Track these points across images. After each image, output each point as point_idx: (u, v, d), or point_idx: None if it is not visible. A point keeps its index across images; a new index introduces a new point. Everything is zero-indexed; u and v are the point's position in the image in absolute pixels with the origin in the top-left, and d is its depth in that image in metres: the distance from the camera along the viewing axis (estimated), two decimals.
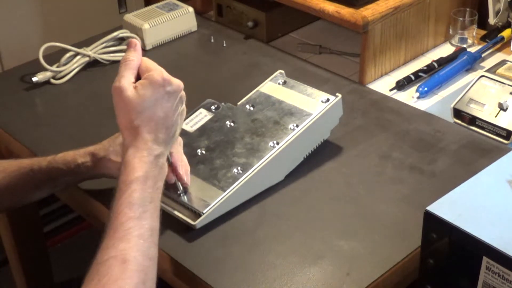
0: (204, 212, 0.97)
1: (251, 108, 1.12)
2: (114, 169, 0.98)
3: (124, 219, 0.80)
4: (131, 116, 0.85)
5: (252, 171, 1.02)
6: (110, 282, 0.75)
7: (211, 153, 1.05)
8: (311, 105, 1.09)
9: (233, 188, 1.00)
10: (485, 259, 0.77)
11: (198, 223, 0.97)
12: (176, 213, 0.99)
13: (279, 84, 1.15)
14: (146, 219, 0.81)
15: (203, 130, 1.10)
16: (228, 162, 1.03)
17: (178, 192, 0.99)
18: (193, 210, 0.98)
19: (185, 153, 1.01)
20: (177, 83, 0.88)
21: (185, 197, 0.99)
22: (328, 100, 1.09)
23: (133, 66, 0.88)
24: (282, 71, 1.17)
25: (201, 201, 0.98)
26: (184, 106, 0.92)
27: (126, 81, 0.86)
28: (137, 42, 0.90)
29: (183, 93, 0.90)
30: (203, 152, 1.06)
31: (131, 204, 0.81)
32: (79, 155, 1.00)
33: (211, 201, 0.98)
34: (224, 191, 0.99)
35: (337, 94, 1.10)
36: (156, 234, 0.83)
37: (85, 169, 1.01)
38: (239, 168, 1.02)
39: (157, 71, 0.87)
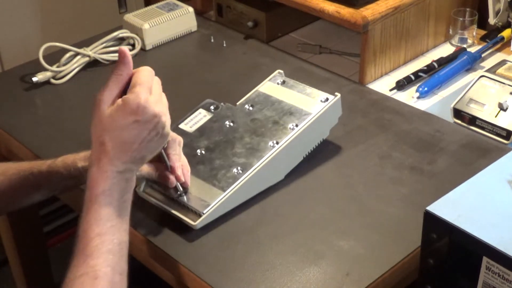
0: (204, 212, 0.97)
1: (250, 108, 1.12)
2: None
3: (92, 235, 0.80)
4: (100, 130, 0.85)
5: (252, 171, 1.02)
6: None
7: (211, 153, 1.05)
8: (310, 104, 1.09)
9: (233, 188, 1.00)
10: (485, 259, 0.77)
11: (199, 223, 0.97)
12: (176, 213, 0.99)
13: (278, 84, 1.15)
14: (115, 234, 0.81)
15: (202, 130, 1.10)
16: (228, 162, 1.03)
17: (178, 192, 0.99)
18: (193, 211, 0.98)
19: (185, 153, 1.01)
20: (152, 113, 0.84)
21: (185, 197, 0.99)
22: (327, 99, 1.09)
23: (121, 80, 0.86)
24: (281, 71, 1.17)
25: (201, 201, 0.98)
26: (164, 131, 0.87)
27: (108, 95, 0.85)
28: (126, 52, 0.87)
29: (162, 120, 0.86)
30: (203, 152, 1.06)
31: (98, 220, 0.81)
32: (79, 159, 1.00)
33: (211, 201, 0.98)
34: (224, 191, 0.99)
35: (336, 93, 1.10)
36: (126, 247, 0.83)
37: (85, 173, 1.00)
38: (239, 168, 1.02)
39: (135, 95, 0.84)
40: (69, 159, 1.00)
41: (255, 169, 1.02)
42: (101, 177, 0.83)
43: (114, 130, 0.84)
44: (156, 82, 0.88)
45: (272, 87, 1.15)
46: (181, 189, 0.99)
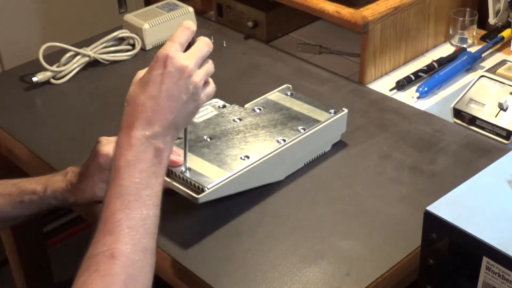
0: (208, 187, 0.97)
1: (258, 111, 1.12)
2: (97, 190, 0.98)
3: (113, 210, 0.77)
4: (129, 93, 0.82)
5: (258, 160, 1.02)
6: (98, 278, 0.73)
7: (217, 140, 1.06)
8: (319, 114, 1.11)
9: (238, 171, 1.00)
10: (485, 259, 0.77)
11: (201, 197, 0.96)
12: (179, 186, 0.98)
13: (286, 95, 1.16)
14: (138, 208, 0.77)
15: (209, 122, 1.10)
16: (234, 150, 1.04)
17: (182, 168, 0.99)
18: (196, 187, 0.98)
19: (190, 139, 1.03)
20: (179, 65, 0.81)
21: (189, 173, 0.99)
22: (335, 112, 1.11)
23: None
24: (290, 85, 1.19)
25: (205, 177, 0.98)
26: (198, 92, 0.84)
27: (143, 70, 0.84)
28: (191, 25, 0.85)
29: (193, 78, 0.83)
30: (208, 140, 1.06)
31: (120, 193, 0.77)
32: (68, 191, 0.99)
33: (216, 178, 0.98)
34: (229, 172, 1.00)
35: (344, 108, 1.12)
36: (152, 223, 0.79)
37: (78, 204, 1.02)
38: (244, 155, 1.02)
39: (163, 48, 0.82)
40: (59, 191, 1.00)
41: (260, 159, 1.02)
42: (126, 145, 0.79)
43: (142, 85, 0.81)
44: (202, 44, 0.85)
45: (280, 96, 1.16)
46: (186, 164, 0.99)
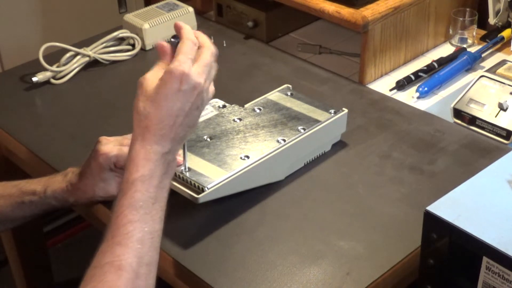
0: (208, 187, 0.97)
1: (258, 111, 1.12)
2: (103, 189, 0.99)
3: (124, 221, 0.78)
4: (144, 102, 0.82)
5: (258, 160, 1.02)
6: None
7: (217, 140, 1.06)
8: (319, 114, 1.11)
9: (238, 171, 1.00)
10: (485, 259, 0.77)
11: (201, 197, 0.96)
12: (179, 186, 0.98)
13: (287, 95, 1.16)
14: (147, 222, 0.79)
15: (209, 122, 1.10)
16: (234, 150, 1.04)
17: (182, 168, 0.99)
18: (196, 187, 0.98)
19: (190, 139, 1.03)
20: (194, 83, 0.83)
21: (189, 173, 0.99)
22: (335, 112, 1.11)
23: (165, 65, 0.85)
24: (290, 86, 1.19)
25: (206, 177, 0.98)
26: (202, 106, 0.86)
27: (152, 75, 0.84)
28: (164, 44, 0.87)
29: (203, 94, 0.85)
30: (208, 139, 1.06)
31: (132, 206, 0.79)
32: (68, 193, 1.00)
33: (216, 178, 0.98)
34: (229, 171, 1.00)
35: (344, 108, 1.12)
36: (157, 237, 0.81)
37: (78, 205, 1.03)
38: (244, 155, 1.02)
39: (178, 63, 0.82)
40: (59, 191, 1.00)
41: (260, 159, 1.02)
42: (144, 159, 0.81)
43: (159, 101, 0.81)
44: (210, 55, 0.86)
45: (280, 97, 1.16)
46: (186, 164, 0.99)
